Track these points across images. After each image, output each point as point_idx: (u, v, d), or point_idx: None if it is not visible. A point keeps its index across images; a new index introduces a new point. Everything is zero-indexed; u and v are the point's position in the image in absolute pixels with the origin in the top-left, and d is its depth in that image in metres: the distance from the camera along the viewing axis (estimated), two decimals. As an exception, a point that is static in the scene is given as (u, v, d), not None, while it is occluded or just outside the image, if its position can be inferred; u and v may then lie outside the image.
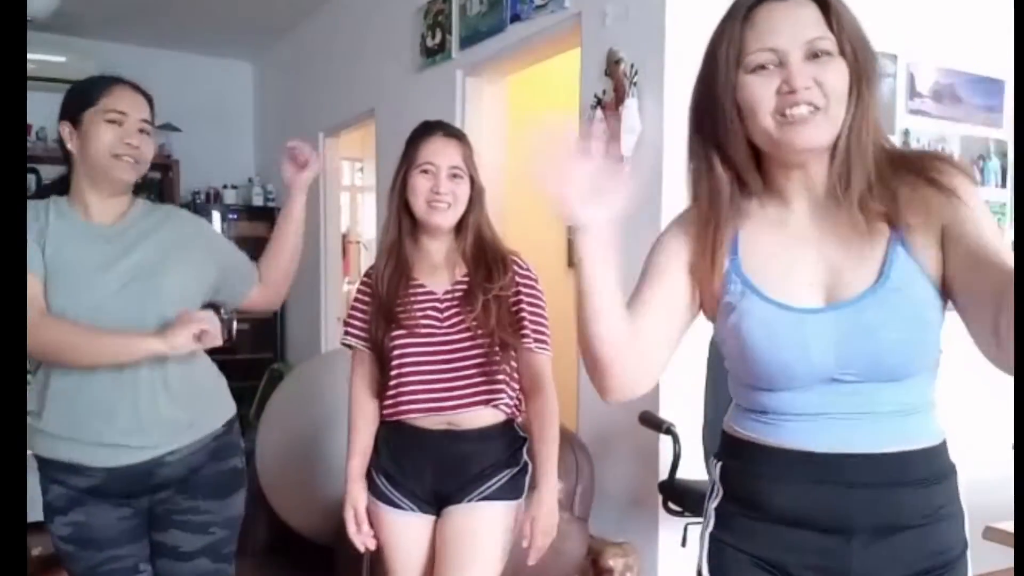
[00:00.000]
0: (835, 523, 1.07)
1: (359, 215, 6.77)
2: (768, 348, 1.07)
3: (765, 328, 1.07)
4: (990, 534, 1.94)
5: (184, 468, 1.76)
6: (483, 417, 1.77)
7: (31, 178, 5.26)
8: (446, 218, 1.75)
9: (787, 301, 1.07)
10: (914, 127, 3.18)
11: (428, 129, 1.80)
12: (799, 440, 1.08)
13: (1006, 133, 3.38)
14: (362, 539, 1.84)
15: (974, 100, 3.33)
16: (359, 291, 1.86)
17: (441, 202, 1.74)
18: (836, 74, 1.03)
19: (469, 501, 1.75)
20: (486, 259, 1.77)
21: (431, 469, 1.77)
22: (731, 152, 1.10)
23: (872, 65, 1.07)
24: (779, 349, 1.06)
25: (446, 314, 1.77)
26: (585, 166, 0.98)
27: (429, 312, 1.77)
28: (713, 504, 1.19)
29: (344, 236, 5.88)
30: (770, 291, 1.08)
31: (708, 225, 1.11)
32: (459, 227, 1.79)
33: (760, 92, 1.04)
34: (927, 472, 1.08)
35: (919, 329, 1.04)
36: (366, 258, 6.34)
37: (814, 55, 1.03)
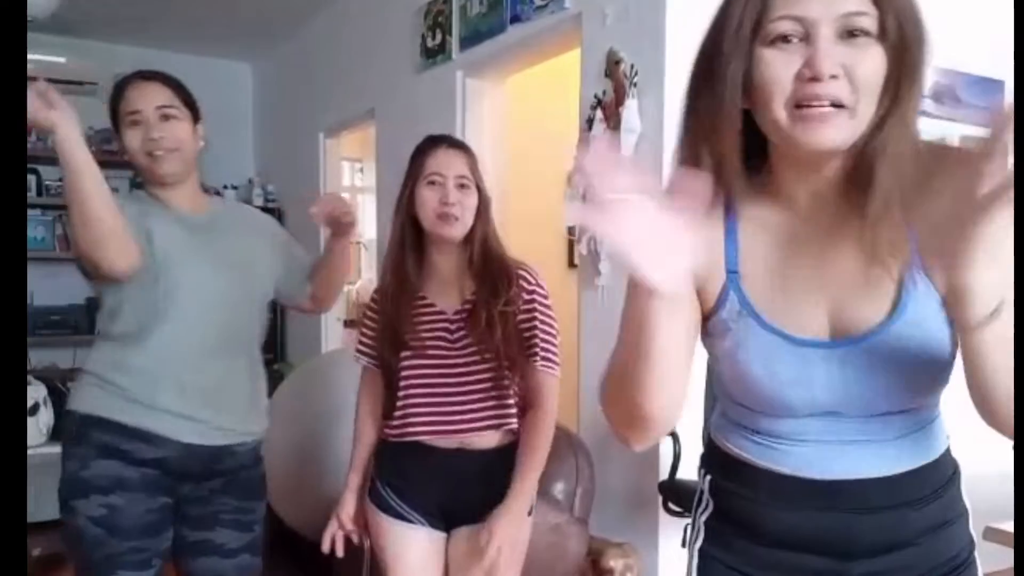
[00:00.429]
0: (838, 547, 1.00)
1: (359, 215, 6.77)
2: (768, 383, 0.96)
3: (765, 362, 0.95)
4: (991, 535, 1.93)
5: (238, 463, 1.84)
6: (494, 438, 1.76)
7: (31, 179, 5.26)
8: (456, 230, 1.73)
9: (789, 330, 0.95)
10: (914, 128, 3.18)
11: (433, 142, 1.79)
12: (799, 467, 0.99)
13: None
14: (332, 536, 1.86)
15: (974, 101, 3.32)
16: (368, 307, 1.86)
17: (451, 214, 1.71)
18: (872, 62, 0.85)
19: (482, 522, 1.70)
20: (492, 273, 1.74)
21: (440, 485, 1.75)
22: (719, 138, 0.91)
23: (921, 53, 0.86)
24: (779, 385, 0.96)
25: (456, 335, 1.74)
26: (646, 212, 0.74)
27: (439, 334, 1.75)
28: (703, 517, 1.12)
29: (344, 237, 5.87)
30: (770, 315, 0.95)
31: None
32: (467, 239, 1.76)
33: (777, 72, 0.86)
34: (935, 484, 1.02)
35: (935, 366, 0.93)
36: (366, 258, 6.33)
37: (849, 33, 0.84)
